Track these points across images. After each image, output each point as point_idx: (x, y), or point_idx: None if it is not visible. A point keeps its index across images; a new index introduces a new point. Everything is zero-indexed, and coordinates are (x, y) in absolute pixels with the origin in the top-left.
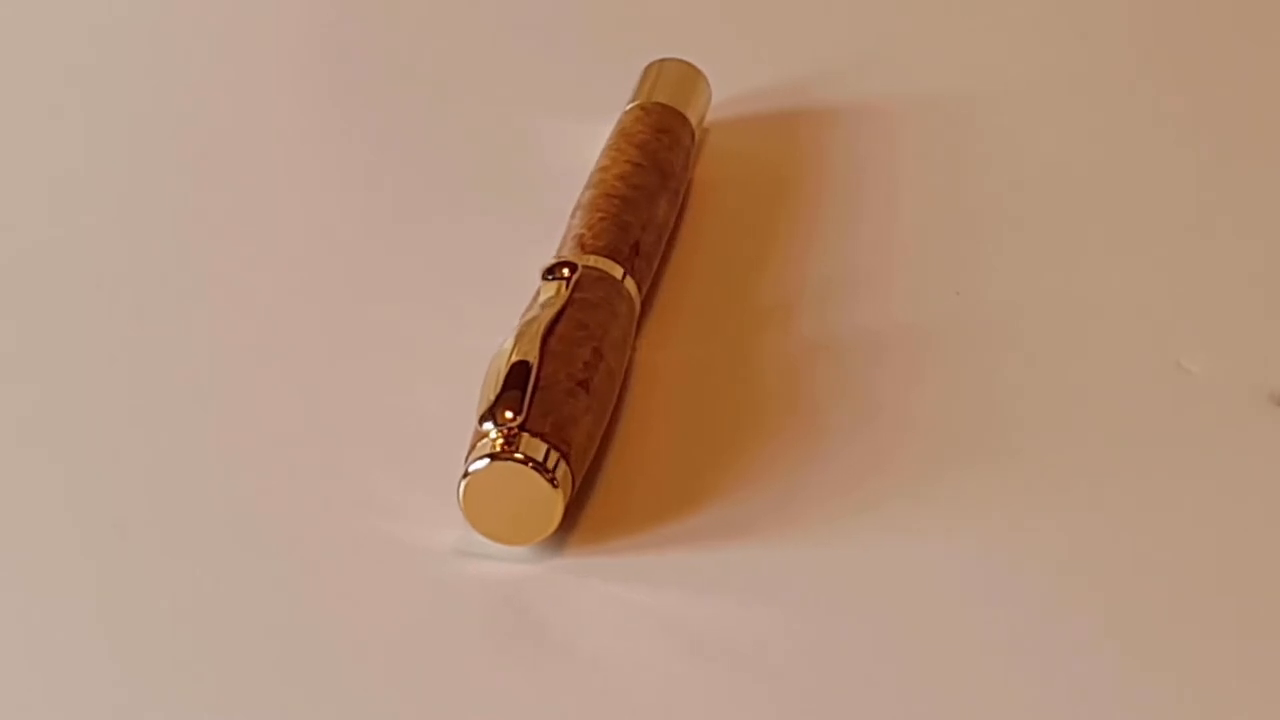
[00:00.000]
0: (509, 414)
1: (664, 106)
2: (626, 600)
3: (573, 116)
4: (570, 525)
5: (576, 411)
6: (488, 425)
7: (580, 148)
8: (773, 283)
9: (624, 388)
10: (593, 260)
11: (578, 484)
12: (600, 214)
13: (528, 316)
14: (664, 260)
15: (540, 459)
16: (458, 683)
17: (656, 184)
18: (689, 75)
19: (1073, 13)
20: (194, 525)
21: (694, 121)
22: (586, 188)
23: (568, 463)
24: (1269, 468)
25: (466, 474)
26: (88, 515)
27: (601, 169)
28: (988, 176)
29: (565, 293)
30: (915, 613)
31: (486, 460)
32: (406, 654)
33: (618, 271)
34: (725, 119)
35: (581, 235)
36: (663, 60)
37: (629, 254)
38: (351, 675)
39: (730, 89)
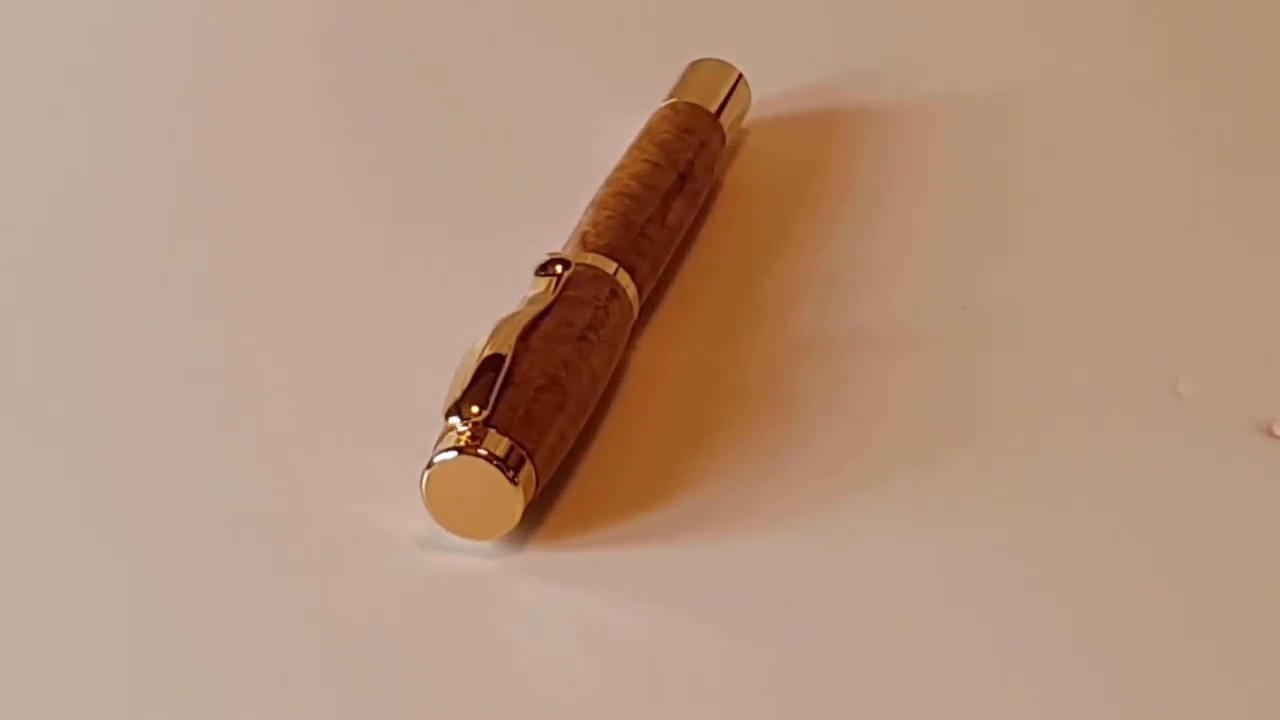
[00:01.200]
0: (475, 408)
1: (693, 106)
2: (576, 600)
3: (610, 115)
4: (539, 521)
5: (548, 409)
6: (454, 419)
7: (617, 147)
8: (780, 284)
9: (615, 386)
10: (591, 259)
11: (543, 482)
12: (608, 212)
13: (510, 312)
14: (679, 260)
15: (503, 456)
16: (392, 674)
17: (673, 184)
18: (726, 75)
19: (1119, 14)
20: (182, 514)
21: (728, 122)
22: (603, 185)
23: (532, 461)
24: (1250, 492)
25: (429, 466)
26: (81, 506)
27: (619, 167)
28: (1017, 179)
29: (554, 290)
30: (883, 608)
31: (449, 454)
32: (349, 640)
33: (615, 270)
34: (765, 118)
35: (586, 233)
36: (702, 60)
37: (631, 253)
38: (292, 656)
39: (773, 89)
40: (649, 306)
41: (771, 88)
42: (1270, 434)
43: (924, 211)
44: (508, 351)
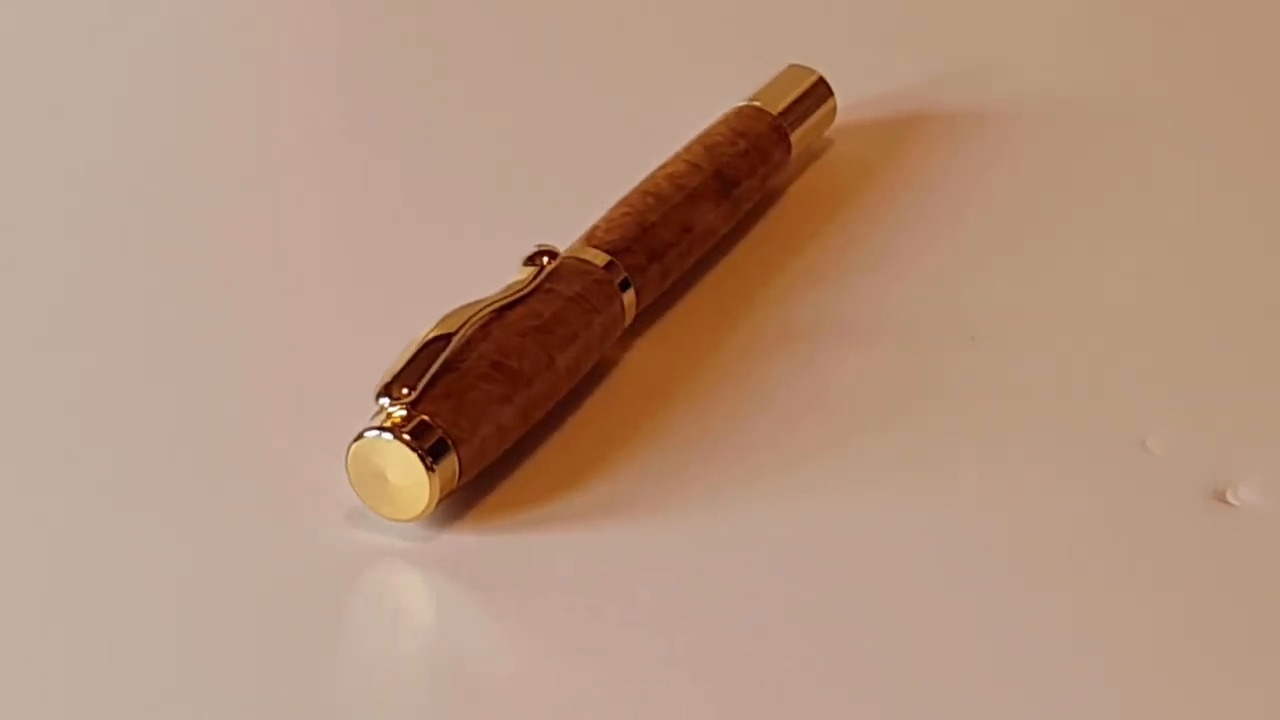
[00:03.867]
0: (404, 390)
1: (756, 109)
2: (486, 582)
3: (700, 121)
4: (470, 506)
5: (487, 399)
6: (383, 399)
7: None
8: (796, 291)
9: (595, 383)
10: (590, 254)
11: (473, 471)
12: (625, 209)
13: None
14: (711, 263)
15: (422, 440)
16: (287, 650)
17: (710, 187)
18: (803, 78)
19: (1212, 23)
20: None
21: (802, 126)
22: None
23: (457, 449)
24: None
25: (352, 442)
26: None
27: (661, 166)
28: (1087, 189)
29: (533, 280)
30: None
31: (371, 433)
32: (246, 602)
33: (610, 267)
34: (851, 123)
35: (596, 227)
36: (790, 66)
37: (637, 252)
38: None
39: (864, 93)
40: (660, 307)
41: (867, 92)
42: (1222, 500)
43: (979, 218)
44: (457, 334)
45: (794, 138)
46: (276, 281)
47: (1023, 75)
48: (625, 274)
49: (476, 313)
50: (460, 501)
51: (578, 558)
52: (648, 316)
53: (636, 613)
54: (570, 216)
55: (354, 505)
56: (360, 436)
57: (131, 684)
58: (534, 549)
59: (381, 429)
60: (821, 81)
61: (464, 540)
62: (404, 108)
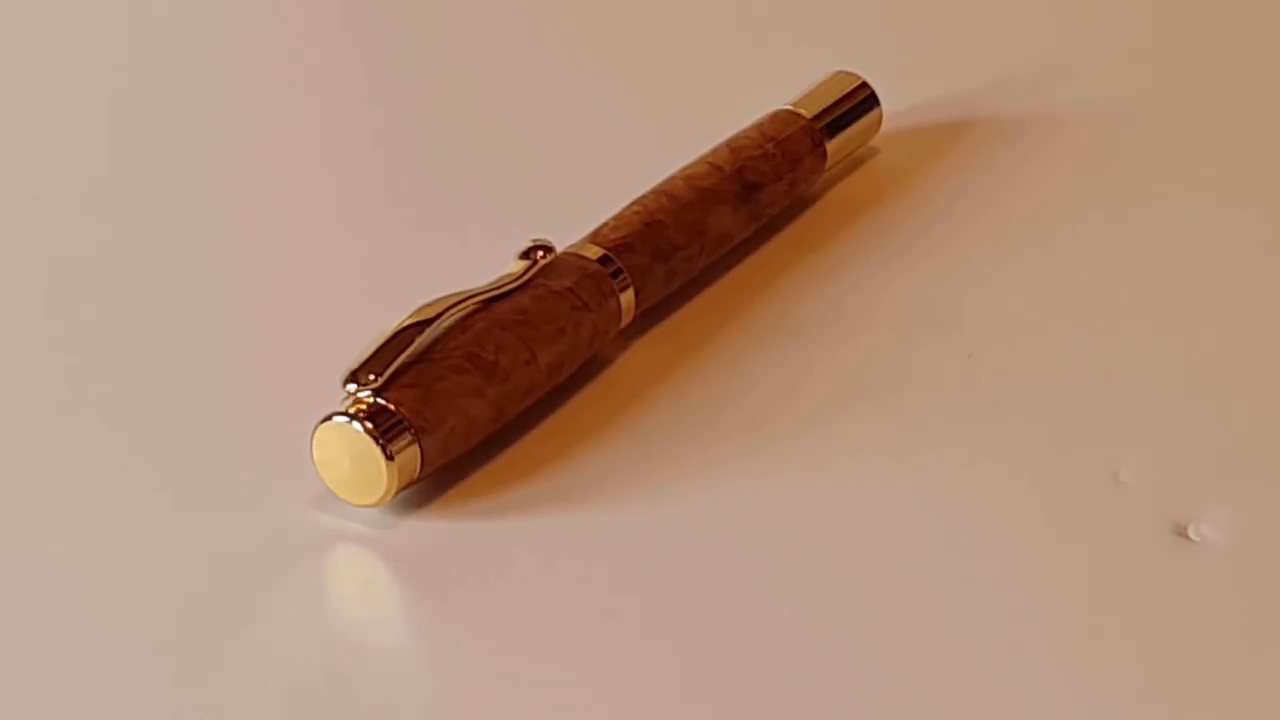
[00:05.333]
0: (371, 376)
1: (791, 113)
2: (436, 575)
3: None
4: (442, 494)
5: (458, 390)
6: (350, 385)
7: None
8: (802, 290)
9: (584, 381)
10: (588, 250)
11: (438, 462)
12: (636, 208)
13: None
14: (727, 266)
15: (381, 427)
16: (219, 631)
17: (729, 189)
18: (844, 84)
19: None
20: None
21: (844, 135)
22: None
23: (420, 439)
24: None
25: (317, 426)
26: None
27: (685, 166)
28: (1115, 204)
29: (524, 275)
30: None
31: (336, 417)
32: (201, 588)
33: (605, 262)
34: (901, 130)
35: (604, 225)
36: (837, 72)
37: (641, 252)
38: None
39: (917, 100)
40: (667, 308)
41: (919, 98)
42: (1183, 535)
43: (999, 229)
44: (433, 323)
45: (834, 144)
46: (276, 276)
47: (1079, 82)
48: (624, 272)
49: (455, 302)
50: (430, 489)
51: (541, 545)
52: (652, 317)
53: (600, 598)
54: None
55: (323, 489)
56: (325, 421)
57: (68, 651)
58: (498, 537)
59: (344, 414)
60: (866, 87)
61: (428, 527)
62: (436, 111)
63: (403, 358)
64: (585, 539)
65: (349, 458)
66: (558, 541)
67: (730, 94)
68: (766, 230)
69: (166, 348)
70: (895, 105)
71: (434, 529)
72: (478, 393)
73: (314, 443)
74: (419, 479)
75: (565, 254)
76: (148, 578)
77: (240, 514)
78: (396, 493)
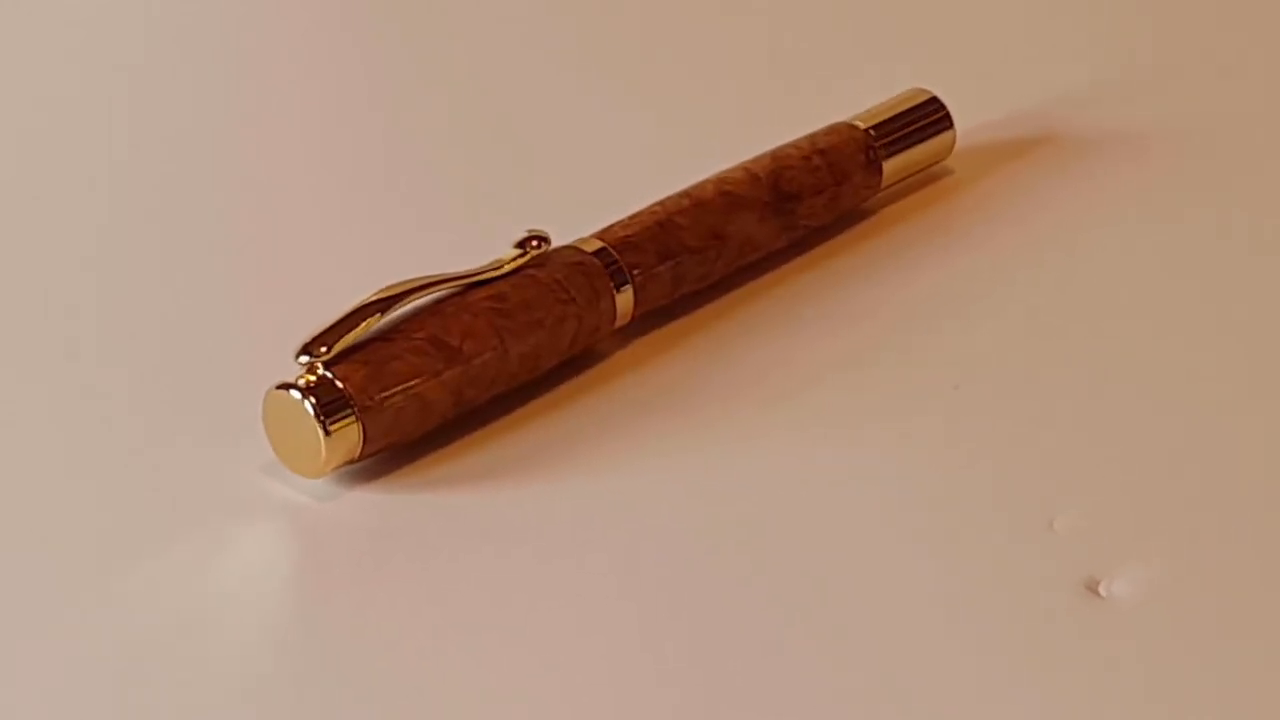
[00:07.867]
0: (322, 349)
1: (850, 127)
2: (371, 547)
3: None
4: (391, 471)
5: (411, 370)
6: (303, 357)
7: None
8: (808, 291)
9: (571, 375)
10: (588, 244)
11: (380, 439)
12: (657, 207)
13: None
14: (757, 273)
15: (320, 400)
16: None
17: (759, 198)
18: (912, 98)
19: None
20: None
21: (910, 152)
22: None
23: (360, 414)
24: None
25: (266, 394)
26: None
27: (722, 171)
28: (1165, 225)
29: (511, 263)
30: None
31: (282, 387)
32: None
33: (601, 255)
34: (975, 148)
35: (618, 222)
36: (912, 89)
37: (649, 250)
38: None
39: (992, 116)
40: (679, 311)
41: (995, 115)
42: (1094, 592)
43: (1029, 251)
44: (402, 302)
45: (896, 161)
46: (275, 273)
47: (1154, 100)
48: (623, 269)
49: (425, 284)
50: (383, 464)
51: (484, 521)
52: (659, 318)
53: (547, 574)
54: None
55: (271, 458)
56: (274, 390)
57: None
58: (442, 511)
59: (290, 386)
60: (936, 102)
61: (371, 499)
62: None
63: (361, 333)
64: (532, 515)
65: (292, 428)
66: (502, 518)
67: (816, 109)
68: (808, 240)
69: (160, 329)
70: (969, 122)
71: (378, 501)
72: (436, 375)
73: (264, 411)
74: (365, 455)
75: (564, 247)
76: (88, 521)
77: (187, 482)
78: (336, 467)
